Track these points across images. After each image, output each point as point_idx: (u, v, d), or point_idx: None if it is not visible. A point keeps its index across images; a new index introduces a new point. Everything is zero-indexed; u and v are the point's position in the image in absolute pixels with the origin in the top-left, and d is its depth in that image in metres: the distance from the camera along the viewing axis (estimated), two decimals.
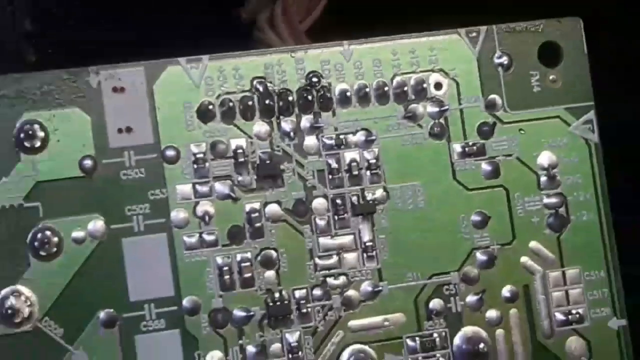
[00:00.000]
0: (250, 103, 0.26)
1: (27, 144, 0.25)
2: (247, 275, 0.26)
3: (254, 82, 0.26)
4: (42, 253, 0.24)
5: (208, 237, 0.25)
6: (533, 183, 0.27)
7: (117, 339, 0.25)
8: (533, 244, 0.27)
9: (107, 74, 0.25)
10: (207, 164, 0.26)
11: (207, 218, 0.25)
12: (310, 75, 0.26)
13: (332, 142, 0.26)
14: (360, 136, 0.27)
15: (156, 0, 0.37)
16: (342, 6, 0.36)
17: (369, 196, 0.26)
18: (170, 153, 0.26)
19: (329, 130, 0.26)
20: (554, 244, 0.27)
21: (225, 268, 0.25)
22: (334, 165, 0.26)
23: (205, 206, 0.26)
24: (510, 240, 0.27)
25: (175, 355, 0.25)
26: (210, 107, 0.26)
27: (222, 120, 0.26)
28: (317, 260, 0.26)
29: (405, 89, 0.27)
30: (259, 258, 0.26)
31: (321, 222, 0.26)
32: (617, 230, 0.28)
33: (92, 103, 0.25)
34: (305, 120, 0.26)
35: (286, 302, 0.26)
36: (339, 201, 0.26)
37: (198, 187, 0.26)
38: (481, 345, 0.26)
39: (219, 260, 0.25)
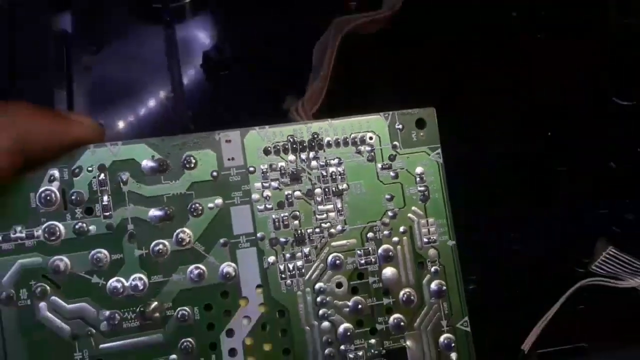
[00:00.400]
0: (287, 146, 0.26)
1: (187, 166, 0.24)
2: (286, 223, 0.25)
3: (288, 137, 0.26)
4: (195, 214, 0.24)
5: (268, 206, 0.25)
6: (413, 181, 0.27)
7: (228, 252, 0.25)
8: (414, 208, 0.27)
9: (223, 134, 0.25)
10: (267, 173, 0.25)
11: (268, 198, 0.25)
12: (314, 134, 0.26)
13: (323, 163, 0.26)
14: (336, 161, 0.26)
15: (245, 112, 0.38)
16: (329, 103, 0.36)
17: (340, 187, 0.26)
18: (251, 169, 0.25)
19: (322, 158, 0.26)
20: (422, 208, 0.27)
21: (276, 219, 0.25)
22: (324, 174, 0.26)
23: (267, 192, 0.25)
24: (403, 206, 0.26)
25: (254, 260, 0.25)
26: (269, 149, 0.25)
27: (273, 154, 0.26)
28: (317, 216, 0.26)
29: (356, 139, 0.26)
30: (291, 215, 0.25)
31: (319, 199, 0.26)
32: (452, 201, 0.27)
33: (216, 147, 0.25)
34: (312, 154, 0.26)
35: (304, 234, 0.26)
36: (326, 189, 0.26)
37: (264, 183, 0.25)
38: (390, 253, 0.26)
39: (273, 216, 0.25)
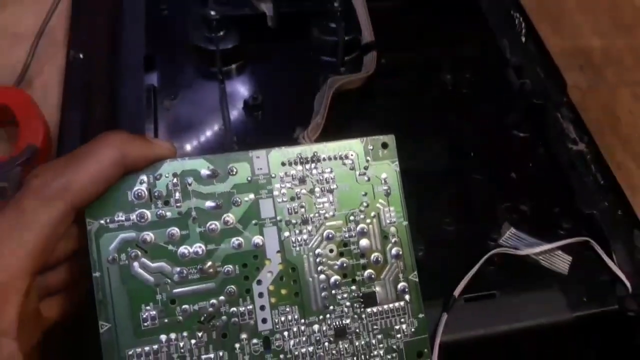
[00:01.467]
0: (297, 160, 0.25)
1: (231, 173, 0.24)
2: (296, 210, 0.25)
3: (298, 154, 0.25)
4: (236, 205, 0.25)
5: (285, 199, 0.25)
6: (380, 183, 0.26)
7: (258, 230, 0.25)
8: (380, 200, 0.26)
9: (255, 152, 0.25)
10: (284, 178, 0.25)
11: (284, 194, 0.25)
12: (314, 152, 0.26)
13: (321, 171, 0.26)
14: (329, 170, 0.26)
15: (270, 138, 0.37)
16: (325, 133, 0.36)
17: (332, 187, 0.26)
18: (273, 175, 0.25)
19: (319, 168, 0.26)
20: (386, 200, 0.26)
21: (289, 208, 0.25)
22: (321, 178, 0.26)
23: (283, 190, 0.25)
24: (373, 199, 0.26)
25: (275, 234, 0.25)
26: (285, 162, 0.25)
27: (288, 165, 0.25)
28: (317, 206, 0.25)
29: (342, 156, 0.26)
30: (299, 205, 0.25)
31: (317, 195, 0.26)
32: (406, 197, 0.27)
33: (250, 161, 0.25)
34: (313, 165, 0.26)
35: (307, 218, 0.25)
36: (323, 189, 0.26)
37: (281, 185, 0.25)
38: (365, 229, 0.26)
39: (287, 206, 0.25)
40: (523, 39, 0.46)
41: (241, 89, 0.41)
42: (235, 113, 0.40)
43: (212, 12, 0.41)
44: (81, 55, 0.41)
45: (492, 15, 0.48)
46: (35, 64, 0.41)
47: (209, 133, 0.39)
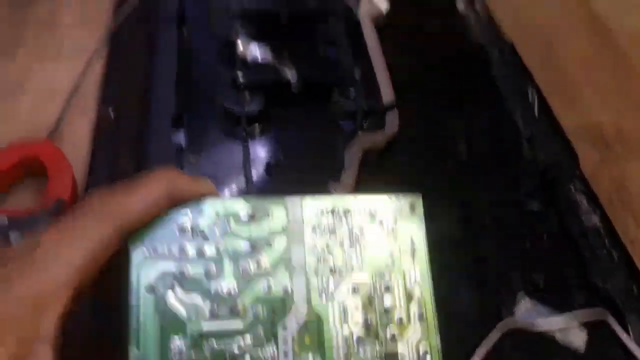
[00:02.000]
0: (330, 209, 0.26)
1: (267, 216, 0.26)
2: (325, 260, 0.26)
3: (331, 204, 0.26)
4: (269, 248, 0.26)
5: (315, 248, 0.26)
6: (406, 242, 0.27)
7: (287, 275, 0.25)
8: (406, 260, 0.27)
9: (289, 198, 0.26)
10: (315, 227, 0.26)
11: (315, 242, 0.26)
12: (346, 204, 0.27)
13: (350, 225, 0.27)
14: (358, 224, 0.27)
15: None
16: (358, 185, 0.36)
17: (360, 241, 0.27)
18: (305, 222, 0.26)
19: (349, 221, 0.27)
20: (412, 261, 0.27)
21: (319, 257, 0.26)
22: (351, 232, 0.27)
23: (314, 238, 0.26)
24: (399, 257, 0.27)
25: (303, 281, 0.26)
26: (318, 211, 0.26)
27: (320, 215, 0.26)
28: (345, 258, 0.26)
29: (372, 211, 0.27)
30: (329, 255, 0.26)
31: (347, 247, 0.26)
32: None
33: (285, 206, 0.26)
34: (343, 218, 0.27)
35: (335, 269, 0.26)
36: (352, 242, 0.27)
37: (312, 233, 0.26)
38: (390, 287, 0.26)
39: (317, 254, 0.26)
40: (536, 113, 0.48)
41: (264, 151, 0.43)
42: (257, 174, 0.41)
43: (240, 77, 0.43)
44: (111, 111, 0.43)
45: (506, 88, 0.50)
46: (68, 118, 0.43)
47: (231, 193, 0.39)
